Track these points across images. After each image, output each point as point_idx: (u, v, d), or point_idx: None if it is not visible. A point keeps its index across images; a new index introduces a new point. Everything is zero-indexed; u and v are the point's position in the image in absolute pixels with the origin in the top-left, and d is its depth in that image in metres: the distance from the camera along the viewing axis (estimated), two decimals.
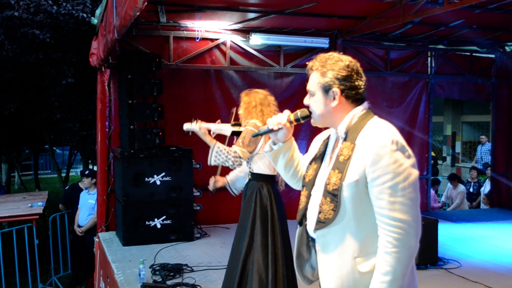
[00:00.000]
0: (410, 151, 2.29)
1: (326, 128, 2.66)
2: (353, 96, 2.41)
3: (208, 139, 4.34)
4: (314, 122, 2.52)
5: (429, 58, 9.58)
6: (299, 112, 2.53)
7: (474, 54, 9.91)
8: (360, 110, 2.42)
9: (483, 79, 9.98)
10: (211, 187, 4.71)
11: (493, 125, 10.40)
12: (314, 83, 2.45)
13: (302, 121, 2.55)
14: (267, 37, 8.09)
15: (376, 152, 2.22)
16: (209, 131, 4.50)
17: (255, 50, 8.30)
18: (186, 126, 4.53)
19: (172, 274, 5.46)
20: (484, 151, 13.89)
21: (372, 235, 2.31)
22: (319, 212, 2.39)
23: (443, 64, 9.66)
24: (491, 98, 10.20)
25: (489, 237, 7.61)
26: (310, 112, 2.51)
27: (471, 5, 6.51)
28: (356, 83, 2.41)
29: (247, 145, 4.18)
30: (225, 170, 4.75)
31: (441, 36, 9.14)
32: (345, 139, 2.38)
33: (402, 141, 2.27)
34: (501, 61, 9.98)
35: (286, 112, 2.55)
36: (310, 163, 2.62)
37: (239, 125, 4.31)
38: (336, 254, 2.36)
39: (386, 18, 7.50)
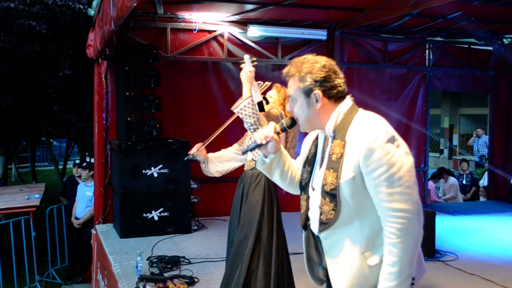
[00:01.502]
0: (400, 139, 2.29)
1: None
2: (334, 95, 2.41)
3: (248, 87, 4.11)
4: (301, 128, 2.53)
5: (427, 51, 9.58)
6: (284, 122, 2.56)
7: (472, 46, 9.90)
8: (344, 106, 2.41)
9: (481, 72, 9.97)
10: (192, 151, 4.56)
11: (490, 117, 10.41)
12: (293, 89, 2.45)
13: (288, 130, 2.60)
14: (264, 29, 8.06)
15: (367, 146, 2.22)
16: None
17: (253, 42, 8.28)
18: (247, 60, 4.20)
19: (169, 266, 5.45)
20: (480, 144, 13.89)
21: (377, 228, 2.32)
22: (321, 214, 2.40)
23: (441, 56, 9.65)
24: (489, 90, 10.21)
25: (486, 229, 7.63)
26: (295, 119, 2.52)
27: None
28: (336, 82, 2.41)
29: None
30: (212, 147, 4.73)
31: (439, 28, 9.13)
32: (334, 138, 2.38)
33: (391, 131, 2.27)
34: (499, 54, 9.98)
35: (272, 124, 2.54)
36: (304, 166, 2.62)
37: (266, 99, 4.27)
38: (344, 253, 2.37)
39: (384, 10, 7.48)
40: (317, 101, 2.39)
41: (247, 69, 4.12)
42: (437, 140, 20.60)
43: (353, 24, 8.32)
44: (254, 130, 4.04)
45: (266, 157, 2.63)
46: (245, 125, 4.09)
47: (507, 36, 9.88)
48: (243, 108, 4.03)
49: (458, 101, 20.06)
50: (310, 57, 2.45)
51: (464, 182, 11.79)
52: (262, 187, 4.15)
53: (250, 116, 4.01)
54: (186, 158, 4.59)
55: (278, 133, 2.53)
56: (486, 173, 11.47)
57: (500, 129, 10.29)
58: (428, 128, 9.60)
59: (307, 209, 2.55)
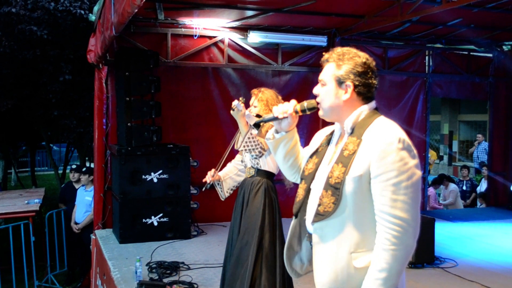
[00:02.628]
0: (415, 151, 2.30)
1: (326, 125, 2.67)
2: (364, 93, 2.42)
3: (243, 123, 4.22)
4: (321, 113, 2.50)
5: (426, 57, 9.59)
6: (306, 103, 2.51)
7: (471, 53, 9.92)
8: (368, 107, 2.43)
9: (481, 78, 9.99)
10: (209, 178, 4.54)
11: (490, 124, 10.42)
12: (328, 73, 2.45)
13: (308, 112, 2.53)
14: (265, 35, 8.08)
15: (382, 148, 2.23)
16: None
17: (253, 48, 8.29)
18: (234, 103, 4.23)
19: (168, 272, 5.46)
20: (480, 150, 13.90)
21: (369, 231, 2.32)
22: (319, 205, 2.39)
23: (441, 63, 9.67)
24: (488, 97, 10.23)
25: (485, 236, 7.63)
26: (317, 104, 2.50)
27: (469, 4, 6.52)
28: (370, 81, 2.42)
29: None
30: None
31: (439, 35, 9.15)
32: (351, 134, 2.39)
33: (408, 140, 2.29)
34: (498, 60, 10.00)
35: (293, 101, 2.53)
36: (311, 157, 2.62)
37: (259, 116, 4.27)
38: (333, 248, 2.37)
39: (384, 17, 7.50)
40: (345, 92, 2.40)
41: (239, 110, 4.17)
42: (437, 147, 20.60)
43: (353, 31, 8.34)
44: (260, 156, 4.17)
45: (277, 132, 2.63)
46: (251, 157, 4.22)
47: (506, 43, 9.90)
48: (245, 144, 4.15)
49: (458, 107, 20.07)
50: (353, 50, 2.46)
51: (464, 188, 11.81)
52: (263, 194, 4.15)
53: (254, 149, 4.14)
54: (204, 188, 4.56)
55: (296, 112, 2.51)
56: (483, 179, 11.48)
57: (500, 135, 10.29)
58: (428, 135, 9.61)
59: (304, 198, 2.56)
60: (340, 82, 2.41)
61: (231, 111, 4.22)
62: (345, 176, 2.30)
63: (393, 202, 2.23)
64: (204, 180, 4.53)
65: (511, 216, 9.11)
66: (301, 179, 2.64)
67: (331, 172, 2.37)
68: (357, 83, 2.39)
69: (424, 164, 9.56)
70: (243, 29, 8.09)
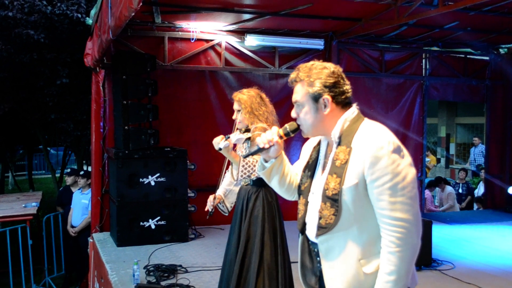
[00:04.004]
0: (405, 150, 2.31)
1: None
2: (342, 101, 2.42)
3: (232, 156, 4.15)
4: (305, 133, 2.51)
5: (423, 60, 9.61)
6: (288, 126, 2.52)
7: (468, 56, 9.94)
8: (350, 113, 2.43)
9: (478, 81, 10.02)
10: (210, 207, 4.43)
11: (487, 127, 10.44)
12: (301, 93, 2.45)
13: (292, 135, 2.54)
14: (262, 38, 8.09)
15: (373, 154, 2.24)
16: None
17: (250, 51, 8.30)
18: (221, 145, 4.10)
19: (166, 275, 5.45)
20: (477, 153, 13.93)
21: (375, 236, 2.33)
22: (320, 218, 2.39)
23: (438, 66, 9.69)
24: (485, 100, 10.25)
25: (482, 238, 7.63)
26: (299, 125, 2.50)
27: (466, 7, 6.55)
28: (344, 88, 2.43)
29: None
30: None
31: (436, 38, 9.17)
32: (339, 144, 2.38)
33: (397, 141, 2.29)
34: (495, 63, 10.03)
35: (275, 128, 2.53)
36: (304, 171, 2.62)
37: (248, 130, 4.18)
38: (341, 258, 2.37)
39: (381, 20, 7.52)
40: (325, 106, 2.40)
41: (225, 147, 4.10)
42: (434, 149, 20.64)
43: (350, 34, 8.35)
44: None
45: (266, 161, 2.60)
46: (249, 177, 4.13)
47: (503, 46, 9.93)
48: (242, 174, 4.09)
49: (455, 110, 20.11)
50: (317, 63, 2.46)
51: (460, 191, 11.82)
52: (261, 202, 4.08)
53: (252, 173, 4.07)
54: (208, 216, 4.50)
55: (281, 138, 2.51)
56: (481, 183, 11.49)
57: (497, 138, 10.32)
58: (425, 137, 9.63)
59: (305, 213, 2.55)
60: (316, 99, 2.40)
61: (219, 150, 4.13)
62: (342, 186, 2.30)
63: (392, 205, 2.24)
64: (206, 209, 4.44)
65: (508, 219, 9.12)
66: (299, 194, 2.63)
67: (326, 184, 2.37)
68: (333, 94, 2.40)
69: (421, 166, 9.58)
70: (240, 33, 8.10)
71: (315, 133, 2.50)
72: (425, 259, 5.91)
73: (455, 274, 5.75)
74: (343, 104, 2.43)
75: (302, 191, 2.59)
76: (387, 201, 2.24)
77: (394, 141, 2.28)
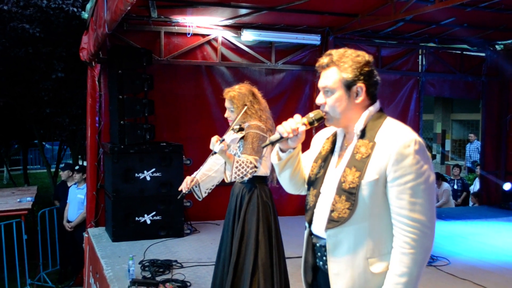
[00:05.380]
0: (429, 153, 2.26)
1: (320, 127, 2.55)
2: (372, 92, 2.36)
3: (226, 156, 3.93)
4: (330, 122, 2.39)
5: (420, 56, 9.61)
6: (312, 114, 2.37)
7: (464, 52, 9.94)
8: (375, 108, 2.38)
9: (474, 78, 10.02)
10: (185, 188, 4.20)
11: (482, 123, 10.46)
12: (333, 79, 2.32)
13: (316, 124, 2.38)
14: (258, 33, 8.07)
15: (399, 151, 2.18)
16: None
17: (247, 46, 8.28)
18: (216, 148, 3.86)
19: (161, 270, 5.45)
20: (472, 149, 13.95)
21: (386, 235, 2.27)
22: (332, 211, 2.31)
23: (434, 62, 9.69)
24: (481, 96, 10.27)
25: (478, 234, 7.66)
26: (324, 114, 2.38)
27: (462, 4, 6.53)
28: (376, 79, 2.37)
29: (257, 151, 3.90)
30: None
31: (432, 34, 9.17)
32: (361, 137, 2.32)
33: (423, 142, 2.25)
34: (491, 60, 10.03)
35: (297, 117, 2.36)
36: (316, 162, 2.52)
37: (242, 129, 4.10)
38: (348, 254, 2.30)
39: (378, 16, 7.51)
40: (357, 95, 2.32)
41: (221, 150, 3.86)
42: (429, 146, 20.67)
43: (347, 29, 8.34)
44: (254, 174, 3.90)
45: (283, 151, 2.46)
46: (245, 177, 3.91)
47: (499, 42, 9.93)
48: (235, 175, 3.86)
49: (451, 106, 20.15)
50: (351, 50, 2.36)
51: (455, 187, 11.84)
52: (255, 200, 4.02)
53: (246, 173, 3.85)
54: (179, 196, 4.26)
55: (304, 126, 2.36)
56: (476, 179, 11.51)
57: (492, 134, 10.34)
58: (421, 134, 9.62)
59: (315, 204, 2.45)
60: (349, 86, 2.31)
61: (213, 154, 3.98)
62: (361, 180, 2.24)
63: (412, 205, 2.19)
64: (180, 189, 4.23)
65: (504, 215, 9.16)
66: (309, 185, 2.53)
67: (344, 177, 2.29)
68: (367, 83, 2.32)
69: None
70: (237, 28, 8.08)
71: (342, 123, 2.38)
72: None
73: (450, 270, 5.76)
74: (372, 96, 2.36)
75: (313, 182, 2.49)
76: (407, 200, 2.19)
77: (421, 141, 2.24)
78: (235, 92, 4.13)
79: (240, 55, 8.29)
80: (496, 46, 10.06)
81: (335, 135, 2.52)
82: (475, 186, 11.45)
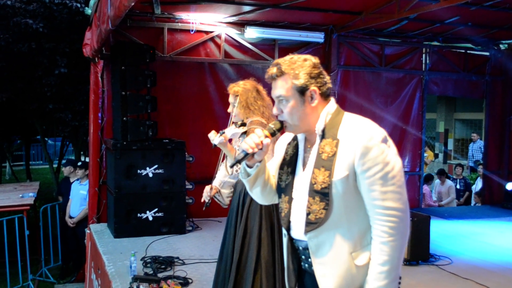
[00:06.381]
0: (390, 140, 2.31)
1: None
2: (325, 92, 2.40)
3: (228, 149, 3.98)
4: (290, 129, 2.43)
5: (423, 55, 9.58)
6: (273, 125, 2.43)
7: (468, 51, 9.92)
8: (331, 106, 2.41)
9: (477, 77, 10.00)
10: (207, 197, 4.35)
11: (486, 122, 10.44)
12: (285, 88, 2.35)
13: (278, 134, 2.46)
14: (262, 31, 8.06)
15: (364, 144, 2.23)
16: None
17: (250, 43, 8.27)
18: (216, 141, 3.97)
19: (163, 266, 5.45)
20: (475, 149, 13.93)
21: (364, 228, 2.32)
22: (308, 214, 2.35)
23: (438, 61, 9.67)
24: (484, 95, 10.24)
25: (480, 234, 7.64)
26: (282, 123, 2.43)
27: (467, 2, 6.51)
28: (326, 79, 2.41)
29: None
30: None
31: (436, 33, 9.14)
32: (323, 137, 2.35)
33: (384, 132, 2.30)
34: (495, 59, 10.01)
35: (259, 131, 2.38)
36: (282, 168, 2.55)
37: (244, 124, 4.09)
38: (332, 254, 2.34)
39: (382, 14, 7.49)
40: (312, 98, 2.36)
41: (221, 142, 3.96)
42: (432, 144, 20.63)
43: (351, 27, 8.32)
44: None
45: (250, 167, 2.46)
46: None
47: (503, 41, 9.91)
48: (236, 169, 3.91)
49: (454, 105, 20.09)
50: (296, 56, 2.41)
51: (457, 186, 11.83)
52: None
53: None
54: (204, 208, 4.39)
55: (267, 138, 2.38)
56: (479, 178, 11.49)
57: (495, 134, 10.32)
58: (424, 132, 9.62)
59: (289, 211, 2.49)
60: (302, 92, 2.34)
61: (213, 147, 4.02)
62: (331, 179, 2.28)
63: (384, 195, 2.24)
64: (202, 201, 4.36)
65: (506, 214, 9.14)
66: (280, 193, 2.55)
67: (314, 178, 2.33)
68: (319, 85, 2.36)
69: (419, 161, 9.57)
70: (240, 25, 8.07)
71: (302, 128, 2.41)
72: (423, 254, 5.91)
73: (452, 269, 5.75)
74: (325, 96, 2.40)
75: (284, 188, 2.52)
76: (378, 191, 2.24)
77: (382, 131, 2.29)
78: (239, 88, 4.17)
79: (243, 52, 8.28)
80: (501, 46, 10.03)
81: (296, 139, 2.55)
82: (478, 186, 11.43)
